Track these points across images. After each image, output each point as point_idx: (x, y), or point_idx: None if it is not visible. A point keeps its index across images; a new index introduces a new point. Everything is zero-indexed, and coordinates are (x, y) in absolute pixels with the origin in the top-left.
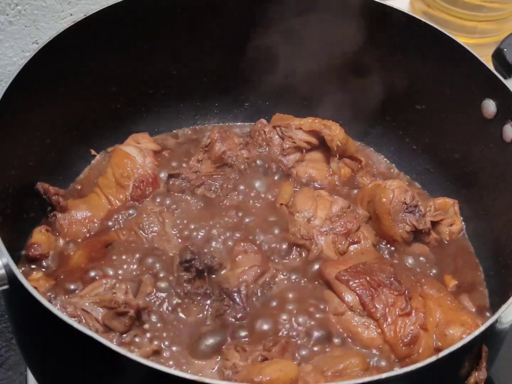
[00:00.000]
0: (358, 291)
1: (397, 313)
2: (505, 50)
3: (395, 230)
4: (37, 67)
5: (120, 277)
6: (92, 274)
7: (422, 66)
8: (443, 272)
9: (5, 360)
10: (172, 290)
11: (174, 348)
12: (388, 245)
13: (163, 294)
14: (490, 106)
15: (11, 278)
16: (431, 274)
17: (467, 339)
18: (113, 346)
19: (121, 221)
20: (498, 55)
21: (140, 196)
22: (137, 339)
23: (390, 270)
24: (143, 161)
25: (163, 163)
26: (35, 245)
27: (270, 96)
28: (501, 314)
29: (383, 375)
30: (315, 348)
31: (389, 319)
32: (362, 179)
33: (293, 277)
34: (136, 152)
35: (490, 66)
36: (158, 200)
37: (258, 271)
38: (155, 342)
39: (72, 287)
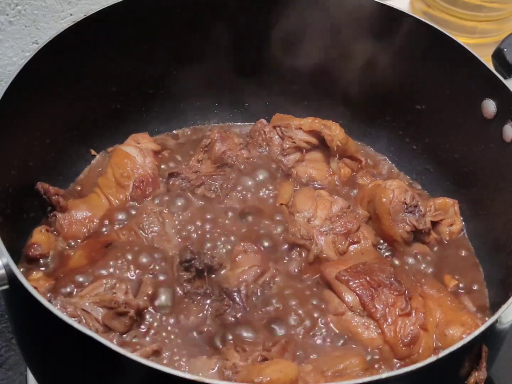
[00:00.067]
0: (358, 291)
1: (397, 313)
2: (505, 50)
3: (395, 230)
4: (37, 67)
5: (120, 277)
6: (92, 274)
7: (422, 66)
8: (443, 272)
9: (5, 360)
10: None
11: (174, 348)
12: (388, 245)
13: (163, 294)
14: (490, 106)
15: (11, 278)
16: (431, 274)
17: (467, 339)
18: (113, 346)
19: (121, 221)
20: (498, 55)
21: (140, 196)
22: (137, 339)
23: (390, 270)
24: (143, 161)
25: (163, 163)
26: (35, 245)
27: (270, 96)
28: (501, 314)
29: (383, 375)
30: (315, 348)
31: (389, 319)
32: (362, 179)
33: (293, 277)
34: (136, 152)
35: (490, 66)
36: (158, 200)
37: (258, 271)
38: (155, 342)
39: (72, 287)
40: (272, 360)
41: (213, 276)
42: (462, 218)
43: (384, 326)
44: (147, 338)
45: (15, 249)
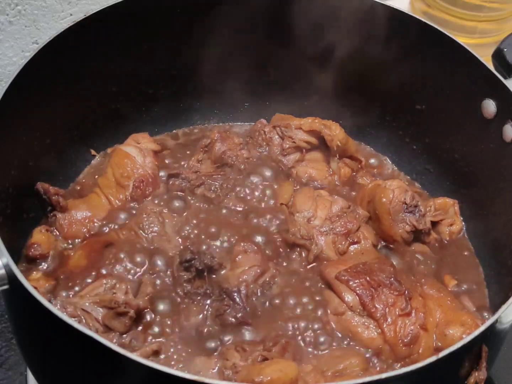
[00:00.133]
0: (358, 291)
1: (397, 313)
2: (505, 50)
3: (395, 230)
4: (37, 67)
5: (120, 277)
6: (92, 274)
7: (422, 66)
8: (443, 272)
9: (5, 360)
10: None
11: (174, 348)
12: (388, 245)
13: (163, 294)
14: (490, 106)
15: (11, 278)
16: (431, 274)
17: (467, 339)
18: (113, 346)
19: (121, 221)
20: (498, 55)
21: (140, 196)
22: (137, 339)
23: (390, 270)
24: (143, 161)
25: (163, 163)
26: (35, 245)
27: (270, 96)
28: (501, 314)
29: (383, 375)
30: (315, 348)
31: (389, 319)
32: (362, 179)
33: (293, 277)
34: (136, 152)
35: (490, 66)
36: (158, 200)
37: (258, 271)
38: (155, 342)
39: (72, 287)
40: (272, 360)
41: (213, 276)
42: (462, 218)
43: (384, 326)
44: (147, 338)
45: (15, 249)
